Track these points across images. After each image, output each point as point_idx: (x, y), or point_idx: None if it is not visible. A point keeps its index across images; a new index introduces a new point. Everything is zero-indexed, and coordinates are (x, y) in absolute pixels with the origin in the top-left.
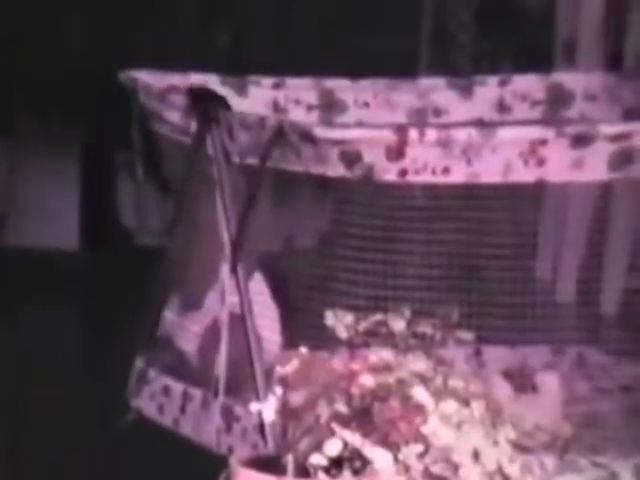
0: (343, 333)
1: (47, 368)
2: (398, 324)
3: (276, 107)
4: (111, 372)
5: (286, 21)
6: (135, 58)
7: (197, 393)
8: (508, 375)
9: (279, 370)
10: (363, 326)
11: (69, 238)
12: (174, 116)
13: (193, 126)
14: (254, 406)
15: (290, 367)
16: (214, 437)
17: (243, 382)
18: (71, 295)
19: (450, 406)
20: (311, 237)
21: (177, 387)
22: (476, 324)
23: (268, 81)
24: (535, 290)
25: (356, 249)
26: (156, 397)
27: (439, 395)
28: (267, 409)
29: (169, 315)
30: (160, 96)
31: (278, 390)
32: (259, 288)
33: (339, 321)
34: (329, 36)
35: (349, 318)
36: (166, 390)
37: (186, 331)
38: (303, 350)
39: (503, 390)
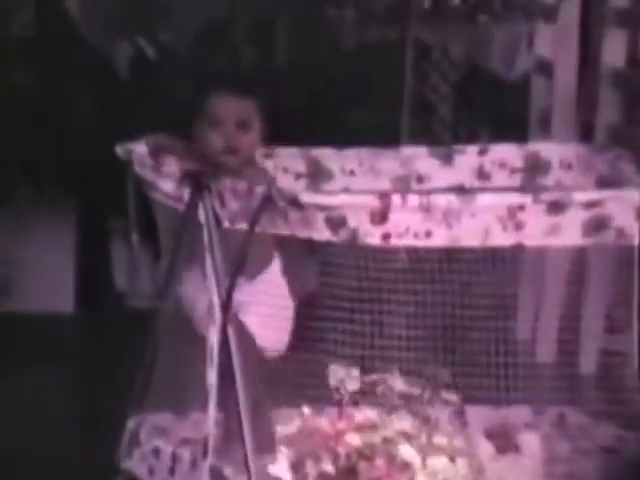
0: (345, 392)
1: (42, 429)
2: (397, 384)
3: None
4: (105, 433)
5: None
6: (131, 129)
7: (186, 454)
8: (490, 435)
9: (281, 429)
10: (354, 385)
11: (65, 301)
12: (167, 185)
13: (186, 194)
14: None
15: (293, 426)
16: None
17: (232, 443)
18: (66, 357)
19: (439, 462)
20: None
21: (167, 449)
22: (459, 384)
23: (258, 151)
24: (516, 351)
25: (343, 310)
26: (146, 459)
27: (424, 452)
28: (281, 469)
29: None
30: (154, 167)
31: (284, 449)
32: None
33: (343, 380)
34: (316, 109)
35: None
36: (156, 452)
37: None
38: (306, 410)
39: (485, 450)
